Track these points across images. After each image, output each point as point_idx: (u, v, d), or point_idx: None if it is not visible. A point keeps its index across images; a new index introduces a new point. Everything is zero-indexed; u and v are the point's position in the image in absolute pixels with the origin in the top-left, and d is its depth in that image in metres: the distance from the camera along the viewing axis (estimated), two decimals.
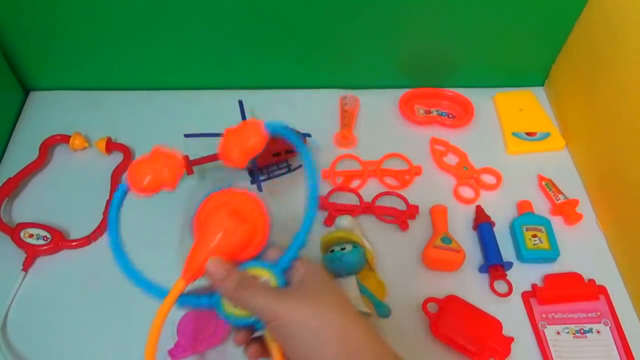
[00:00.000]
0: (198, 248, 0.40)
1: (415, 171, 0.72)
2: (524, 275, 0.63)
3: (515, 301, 0.61)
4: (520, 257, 0.64)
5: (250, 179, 0.70)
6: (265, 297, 0.38)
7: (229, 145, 0.42)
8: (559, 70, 0.80)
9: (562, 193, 0.69)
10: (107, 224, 0.43)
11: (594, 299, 0.61)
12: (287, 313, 0.37)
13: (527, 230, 0.65)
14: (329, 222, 0.66)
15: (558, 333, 0.59)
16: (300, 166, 0.72)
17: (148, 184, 0.40)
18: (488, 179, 0.72)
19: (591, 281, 0.62)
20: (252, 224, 0.40)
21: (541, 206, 0.69)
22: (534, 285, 0.62)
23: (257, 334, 0.42)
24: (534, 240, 0.64)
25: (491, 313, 0.58)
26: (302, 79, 0.81)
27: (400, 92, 0.80)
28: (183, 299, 0.40)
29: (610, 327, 0.59)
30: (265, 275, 0.40)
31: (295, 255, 0.41)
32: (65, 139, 0.72)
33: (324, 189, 0.69)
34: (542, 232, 0.65)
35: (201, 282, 0.41)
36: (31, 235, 0.62)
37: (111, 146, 0.72)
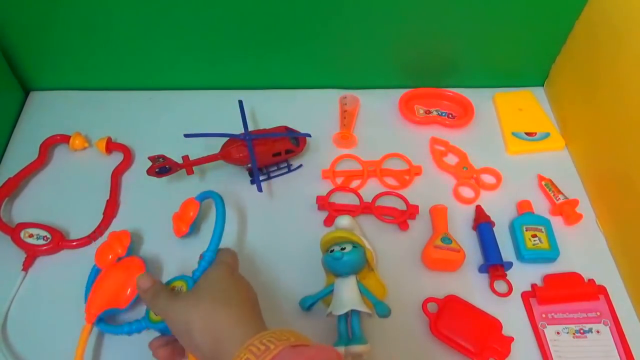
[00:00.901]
0: (92, 294, 0.56)
1: (415, 171, 0.72)
2: (524, 275, 0.63)
3: (515, 301, 0.61)
4: (520, 257, 0.64)
5: (250, 179, 0.70)
6: (163, 301, 0.47)
7: (178, 225, 0.62)
8: (558, 70, 0.80)
9: (562, 193, 0.69)
10: (84, 292, 0.58)
11: (593, 299, 0.61)
12: (168, 313, 0.45)
13: (527, 230, 0.65)
14: (328, 222, 0.66)
15: (558, 333, 0.59)
16: (300, 166, 0.72)
17: (109, 261, 0.59)
18: (488, 179, 0.72)
19: (591, 281, 0.62)
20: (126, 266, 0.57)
21: (541, 206, 0.69)
22: (533, 285, 0.62)
23: None
24: (534, 240, 0.64)
25: (491, 313, 0.58)
26: (302, 79, 0.81)
27: (400, 92, 0.80)
28: (116, 328, 0.53)
29: (610, 327, 0.59)
30: (181, 284, 0.51)
31: (206, 267, 0.51)
32: (65, 139, 0.72)
33: (324, 188, 0.69)
34: (542, 232, 0.65)
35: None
36: (31, 235, 0.62)
37: (111, 146, 0.72)
